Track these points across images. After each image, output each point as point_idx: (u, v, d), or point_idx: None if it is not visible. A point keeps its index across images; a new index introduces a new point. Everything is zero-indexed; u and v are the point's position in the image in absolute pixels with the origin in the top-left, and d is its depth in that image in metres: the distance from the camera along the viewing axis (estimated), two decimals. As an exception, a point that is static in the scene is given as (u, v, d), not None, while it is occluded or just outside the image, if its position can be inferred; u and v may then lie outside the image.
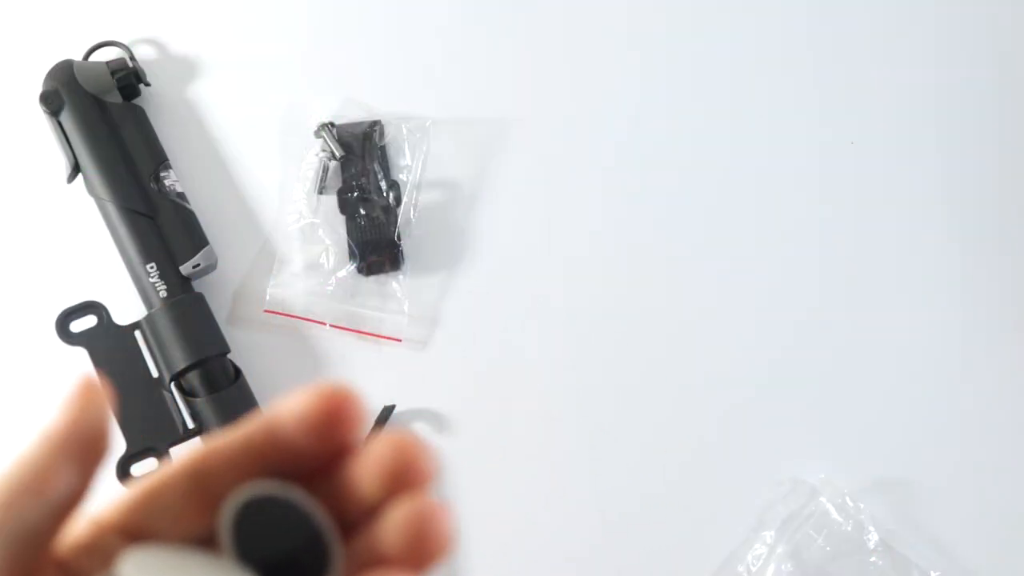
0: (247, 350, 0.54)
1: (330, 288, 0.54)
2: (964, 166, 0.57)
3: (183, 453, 0.23)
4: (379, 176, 0.55)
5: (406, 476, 0.20)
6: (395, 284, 0.54)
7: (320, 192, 0.55)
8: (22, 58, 0.57)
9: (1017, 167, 0.56)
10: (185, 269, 0.52)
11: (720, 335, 0.54)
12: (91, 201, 0.53)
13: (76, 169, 0.53)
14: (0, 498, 0.20)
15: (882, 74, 0.58)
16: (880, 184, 0.56)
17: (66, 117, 0.53)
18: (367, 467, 0.20)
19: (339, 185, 0.55)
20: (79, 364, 0.49)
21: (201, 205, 0.55)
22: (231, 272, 0.55)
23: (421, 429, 0.53)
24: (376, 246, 0.54)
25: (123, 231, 0.52)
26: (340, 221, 0.54)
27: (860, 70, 0.58)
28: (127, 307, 0.52)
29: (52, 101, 0.53)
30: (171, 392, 0.50)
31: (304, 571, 0.19)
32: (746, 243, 0.55)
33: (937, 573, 0.49)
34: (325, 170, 0.55)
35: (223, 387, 0.50)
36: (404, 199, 0.55)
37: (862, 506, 0.49)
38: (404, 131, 0.56)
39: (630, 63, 0.58)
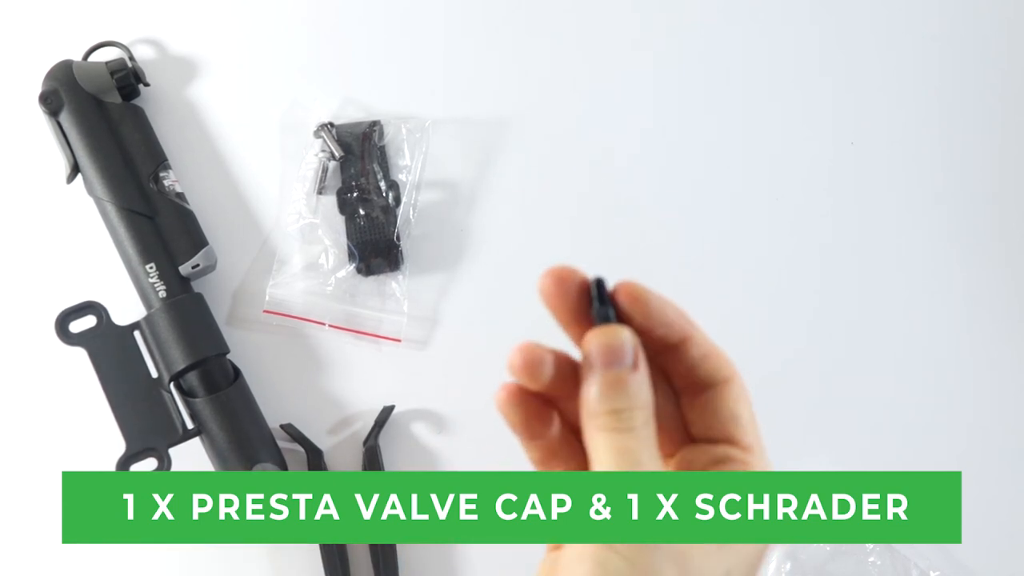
0: (246, 350, 0.54)
1: (329, 288, 0.54)
2: (965, 165, 0.56)
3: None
4: (378, 176, 0.54)
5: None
6: (394, 284, 0.54)
7: (319, 192, 0.55)
8: (21, 58, 0.57)
9: (1018, 165, 0.56)
10: (184, 269, 0.52)
11: (724, 335, 0.54)
12: (90, 201, 0.53)
13: (75, 169, 0.53)
14: None
15: (885, 74, 0.58)
16: (883, 183, 0.56)
17: (65, 117, 0.53)
18: None
19: (338, 185, 0.54)
20: (78, 364, 0.49)
21: (200, 205, 0.55)
22: (230, 272, 0.55)
23: (421, 430, 0.53)
24: (375, 246, 0.54)
25: (122, 231, 0.52)
26: (339, 221, 0.54)
27: (861, 71, 0.58)
28: (126, 307, 0.52)
29: (51, 101, 0.53)
30: (170, 392, 0.50)
31: None
32: (750, 244, 0.55)
33: (936, 574, 0.49)
34: (324, 170, 0.55)
35: (222, 387, 0.50)
36: (403, 199, 0.55)
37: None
38: (403, 131, 0.56)
39: (632, 62, 0.58)
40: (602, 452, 0.28)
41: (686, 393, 0.31)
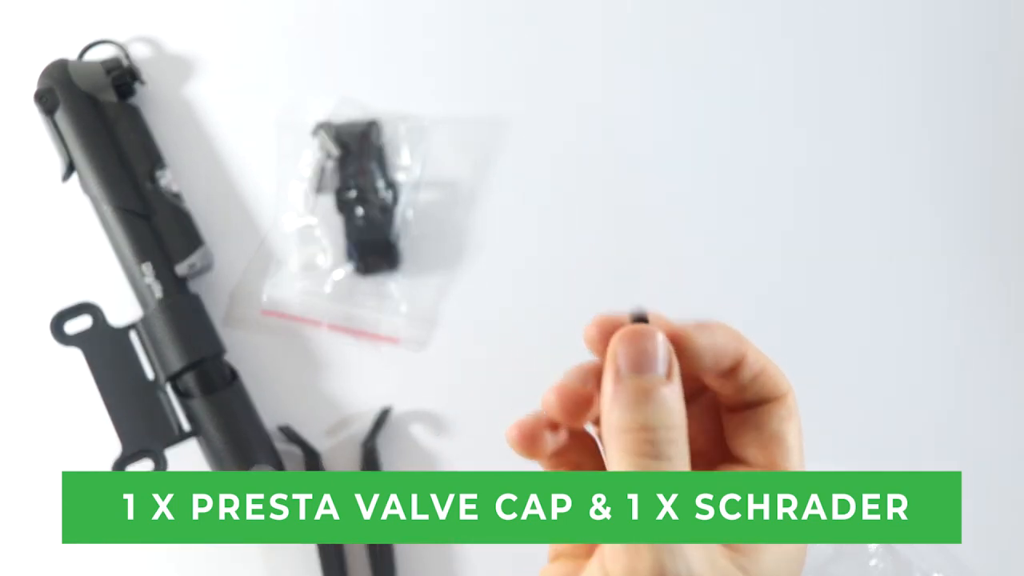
0: (243, 351, 0.53)
1: (327, 289, 0.54)
2: (958, 163, 0.56)
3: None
4: (377, 176, 0.54)
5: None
6: (393, 285, 0.54)
7: (317, 192, 0.54)
8: (17, 57, 0.57)
9: (1012, 162, 0.56)
10: (181, 269, 0.52)
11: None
12: (86, 200, 0.52)
13: (71, 168, 0.52)
14: None
15: (882, 73, 0.58)
16: (886, 183, 0.56)
17: (61, 116, 0.52)
18: None
19: (336, 185, 0.54)
20: (74, 365, 0.49)
21: (197, 205, 0.54)
22: (227, 273, 0.55)
23: (419, 431, 0.53)
24: (374, 246, 0.53)
25: (118, 231, 0.51)
26: (338, 221, 0.54)
27: (860, 70, 0.58)
28: (122, 308, 0.51)
29: (47, 100, 0.52)
30: (167, 394, 0.50)
31: None
32: (746, 245, 0.55)
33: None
34: (322, 170, 0.54)
35: (219, 388, 0.50)
36: (402, 199, 0.55)
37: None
38: (402, 131, 0.55)
39: (630, 61, 0.58)
40: None
41: (732, 409, 0.29)
